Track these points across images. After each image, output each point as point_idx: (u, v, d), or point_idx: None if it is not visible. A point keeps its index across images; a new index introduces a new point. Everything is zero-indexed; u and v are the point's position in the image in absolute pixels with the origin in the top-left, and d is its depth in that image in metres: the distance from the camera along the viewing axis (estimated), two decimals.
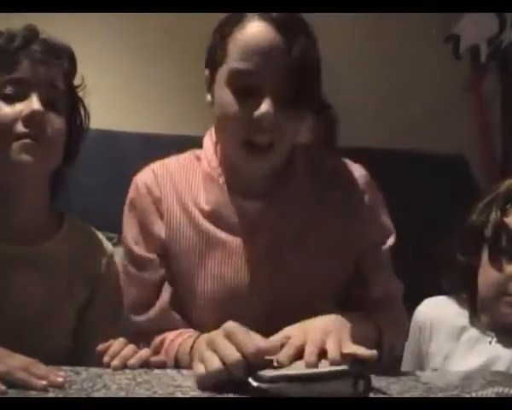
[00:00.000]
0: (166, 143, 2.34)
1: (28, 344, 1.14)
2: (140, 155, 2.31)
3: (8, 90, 1.27)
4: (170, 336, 1.30)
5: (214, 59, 1.27)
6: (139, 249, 1.34)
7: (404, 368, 1.52)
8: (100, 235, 1.45)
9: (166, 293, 1.34)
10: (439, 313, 1.53)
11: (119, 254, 2.11)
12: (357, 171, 1.39)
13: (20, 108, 1.26)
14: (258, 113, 1.21)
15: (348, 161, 1.40)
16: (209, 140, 1.38)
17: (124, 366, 1.16)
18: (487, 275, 1.44)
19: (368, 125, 2.41)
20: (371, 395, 1.00)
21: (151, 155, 2.29)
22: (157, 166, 1.39)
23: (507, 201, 1.46)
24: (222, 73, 1.25)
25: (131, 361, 1.17)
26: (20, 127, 1.25)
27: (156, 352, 1.29)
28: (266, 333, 1.18)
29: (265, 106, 1.20)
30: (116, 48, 2.46)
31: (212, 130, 1.37)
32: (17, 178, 1.29)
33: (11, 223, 1.30)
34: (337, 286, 1.35)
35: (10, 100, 1.26)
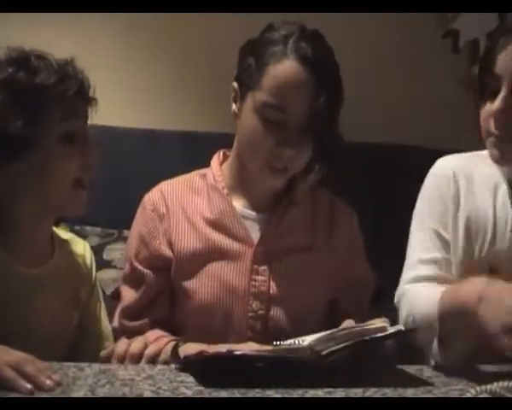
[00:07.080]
0: (168, 139, 2.33)
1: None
2: (142, 151, 2.31)
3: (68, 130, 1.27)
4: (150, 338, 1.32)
5: (247, 80, 1.36)
6: (139, 263, 1.40)
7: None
8: (74, 235, 1.47)
9: (160, 307, 1.40)
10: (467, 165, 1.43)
11: (119, 251, 2.11)
12: (349, 212, 1.50)
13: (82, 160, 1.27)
14: (283, 151, 1.32)
15: (341, 200, 1.50)
16: (216, 159, 1.49)
17: (140, 358, 1.20)
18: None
19: (367, 120, 2.41)
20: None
21: (153, 151, 2.30)
22: (165, 185, 1.47)
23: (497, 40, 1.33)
24: (253, 98, 1.34)
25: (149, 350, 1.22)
26: (80, 177, 1.28)
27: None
28: (262, 337, 1.30)
29: (290, 150, 1.32)
30: (118, 46, 2.46)
31: (221, 152, 1.49)
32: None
33: (23, 246, 1.30)
34: (324, 304, 1.45)
35: (69, 140, 1.27)
